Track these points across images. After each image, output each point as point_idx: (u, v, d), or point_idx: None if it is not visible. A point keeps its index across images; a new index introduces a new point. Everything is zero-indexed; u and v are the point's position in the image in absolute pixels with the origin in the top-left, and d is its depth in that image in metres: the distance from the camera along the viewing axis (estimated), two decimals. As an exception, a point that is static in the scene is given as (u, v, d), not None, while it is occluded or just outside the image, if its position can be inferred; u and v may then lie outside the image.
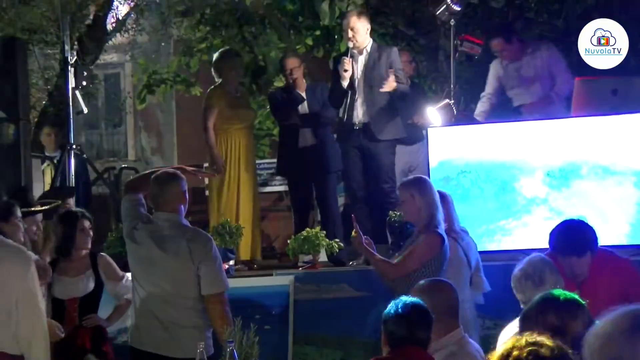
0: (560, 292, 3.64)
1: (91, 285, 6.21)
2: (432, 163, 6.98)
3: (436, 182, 6.75)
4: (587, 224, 5.16)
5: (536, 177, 6.86)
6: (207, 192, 9.06)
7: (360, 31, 7.53)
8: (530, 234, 6.78)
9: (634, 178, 6.73)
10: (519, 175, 6.89)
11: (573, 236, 5.05)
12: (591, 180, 6.76)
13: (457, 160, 6.91)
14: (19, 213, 5.78)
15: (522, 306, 4.41)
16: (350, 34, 7.53)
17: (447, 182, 6.88)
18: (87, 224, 6.28)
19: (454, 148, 7.04)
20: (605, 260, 5.14)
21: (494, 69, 8.23)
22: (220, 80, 8.19)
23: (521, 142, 6.97)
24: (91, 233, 6.30)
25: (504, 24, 9.04)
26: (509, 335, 4.21)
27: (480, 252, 6.81)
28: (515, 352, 2.53)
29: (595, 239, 5.08)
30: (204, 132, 8.11)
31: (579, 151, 6.82)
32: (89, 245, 6.28)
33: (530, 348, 2.52)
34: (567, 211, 6.68)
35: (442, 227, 5.64)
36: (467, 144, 7.06)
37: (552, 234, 5.12)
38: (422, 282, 4.51)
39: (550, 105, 7.83)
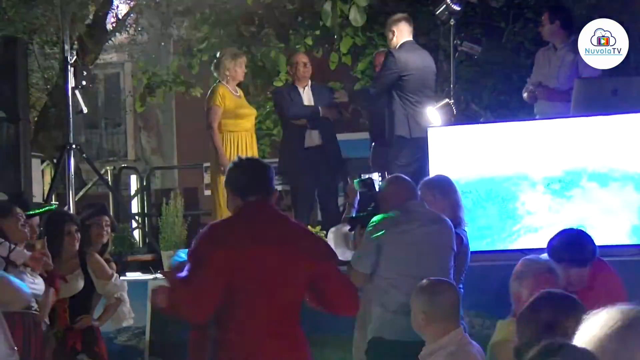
0: (556, 291, 3.64)
1: (80, 284, 6.18)
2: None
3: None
4: (587, 235, 5.06)
5: (537, 190, 6.84)
6: (206, 192, 9.06)
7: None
8: (535, 239, 6.77)
9: (635, 181, 6.71)
10: (519, 190, 6.86)
11: (574, 247, 4.93)
12: (592, 188, 6.74)
13: (456, 181, 6.88)
14: (18, 211, 5.82)
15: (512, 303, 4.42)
16: None
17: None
18: (73, 227, 6.27)
19: (453, 160, 6.99)
20: (596, 273, 5.09)
21: (537, 57, 8.15)
22: (222, 79, 8.16)
23: (520, 146, 6.92)
24: (78, 236, 6.28)
25: (556, 5, 8.96)
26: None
27: (482, 252, 6.81)
28: None
29: (595, 250, 5.01)
30: (208, 131, 8.05)
31: (579, 157, 6.78)
32: (76, 248, 6.26)
33: None
34: (569, 217, 6.67)
35: (462, 227, 5.69)
36: (465, 153, 7.01)
37: (551, 243, 4.98)
38: (424, 281, 4.50)
39: (564, 102, 7.74)
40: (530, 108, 8.21)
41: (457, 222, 5.67)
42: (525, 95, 8.01)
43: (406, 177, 5.71)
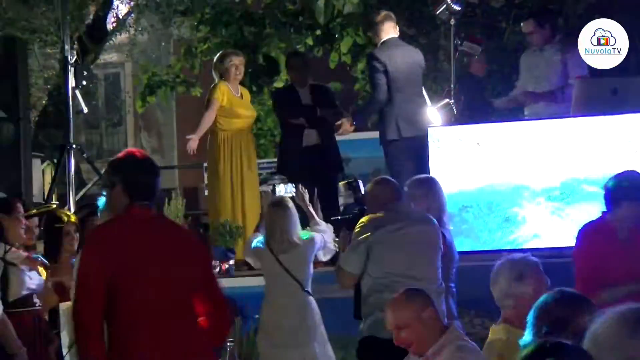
0: (568, 289, 3.64)
1: None
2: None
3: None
4: None
5: (538, 201, 6.82)
6: (206, 192, 9.06)
7: None
8: (537, 243, 6.78)
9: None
10: (520, 203, 6.84)
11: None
12: (593, 191, 6.73)
13: (456, 195, 6.86)
14: (21, 209, 5.82)
15: (497, 303, 4.38)
16: None
17: (450, 219, 6.83)
18: (72, 227, 6.27)
19: (453, 161, 6.99)
20: None
21: (524, 61, 8.13)
22: (221, 79, 8.16)
23: (520, 147, 6.90)
24: (77, 236, 6.28)
25: (539, 8, 8.94)
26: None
27: (483, 252, 6.81)
28: None
29: None
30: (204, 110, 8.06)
31: (578, 166, 6.77)
32: (75, 248, 6.25)
33: None
34: (571, 219, 6.68)
35: (447, 227, 5.74)
36: (466, 154, 6.99)
37: (610, 182, 5.05)
38: (396, 295, 4.44)
39: (554, 103, 7.74)
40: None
41: (441, 223, 5.69)
42: (500, 103, 8.05)
43: (391, 179, 5.77)
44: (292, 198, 6.80)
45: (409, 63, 7.94)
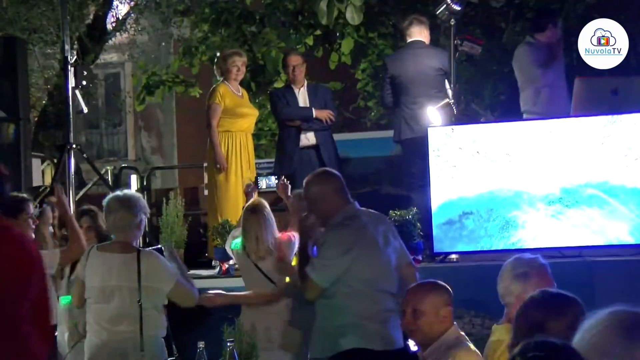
0: (551, 290, 3.62)
1: None
2: (433, 207, 6.93)
3: (439, 227, 6.84)
4: None
5: (538, 208, 6.81)
6: (205, 192, 9.05)
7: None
8: (537, 244, 6.78)
9: (636, 195, 6.69)
10: (521, 209, 6.84)
11: None
12: (592, 199, 6.73)
13: (457, 201, 6.86)
14: (30, 209, 5.73)
15: (501, 301, 4.37)
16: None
17: (451, 225, 6.80)
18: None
19: (452, 162, 6.99)
20: None
21: (530, 56, 8.01)
22: (222, 78, 8.18)
23: (520, 148, 6.90)
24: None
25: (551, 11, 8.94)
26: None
27: (484, 252, 6.81)
28: None
29: None
30: (208, 130, 8.07)
31: (578, 168, 6.76)
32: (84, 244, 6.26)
33: None
34: (571, 221, 6.68)
35: None
36: (466, 156, 6.99)
37: None
38: (424, 282, 4.45)
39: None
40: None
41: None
42: None
43: (334, 171, 5.38)
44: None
45: (420, 66, 8.00)
